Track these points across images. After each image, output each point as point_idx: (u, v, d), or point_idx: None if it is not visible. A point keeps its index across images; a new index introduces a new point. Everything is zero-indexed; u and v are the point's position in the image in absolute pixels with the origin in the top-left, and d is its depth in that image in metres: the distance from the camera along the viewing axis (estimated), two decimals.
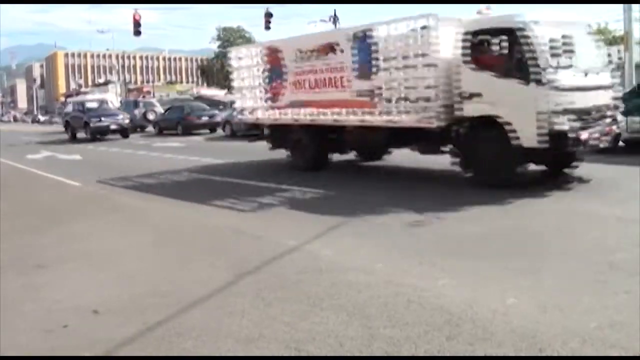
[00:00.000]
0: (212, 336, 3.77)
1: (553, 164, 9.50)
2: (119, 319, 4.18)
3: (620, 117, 9.52)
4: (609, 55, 11.49)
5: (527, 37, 8.33)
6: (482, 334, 3.55)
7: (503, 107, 8.62)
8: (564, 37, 8.41)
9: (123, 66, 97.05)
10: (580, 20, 9.59)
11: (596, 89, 8.76)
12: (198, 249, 6.17)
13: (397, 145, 11.58)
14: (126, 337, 3.82)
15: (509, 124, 8.51)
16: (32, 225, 7.79)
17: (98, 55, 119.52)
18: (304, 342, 3.59)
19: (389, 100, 10.39)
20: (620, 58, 21.49)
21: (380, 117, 10.56)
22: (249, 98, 14.34)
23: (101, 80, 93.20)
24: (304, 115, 12.25)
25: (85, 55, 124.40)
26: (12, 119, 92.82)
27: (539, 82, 8.19)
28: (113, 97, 41.38)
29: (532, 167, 9.37)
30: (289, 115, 12.64)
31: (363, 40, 10.79)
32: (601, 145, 8.78)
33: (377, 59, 10.50)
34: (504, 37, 9.18)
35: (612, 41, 32.57)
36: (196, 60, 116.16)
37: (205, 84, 74.00)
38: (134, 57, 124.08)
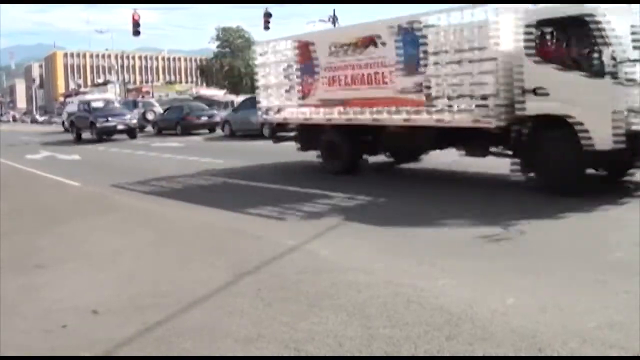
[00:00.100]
0: (211, 336, 3.77)
1: (617, 168, 8.52)
2: (119, 319, 4.17)
3: None
4: None
5: (599, 26, 7.48)
6: (482, 333, 3.55)
7: (573, 105, 7.74)
8: (632, 27, 7.55)
9: (122, 66, 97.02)
10: None
11: None
12: (197, 248, 6.16)
13: (442, 147, 10.56)
14: (125, 337, 3.82)
15: (580, 123, 7.63)
16: (31, 225, 7.79)
17: (97, 55, 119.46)
18: (304, 342, 3.59)
19: (438, 98, 9.49)
20: None
21: (428, 116, 9.62)
22: (275, 96, 13.39)
23: (100, 80, 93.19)
24: (339, 115, 11.38)
25: (84, 55, 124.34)
26: (11, 119, 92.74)
27: (614, 76, 7.32)
28: (112, 97, 41.25)
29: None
30: (321, 115, 11.78)
31: (409, 32, 9.89)
32: None
33: (425, 52, 9.57)
34: (572, 27, 8.12)
35: None
36: (195, 60, 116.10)
37: (204, 84, 74.04)
38: (133, 57, 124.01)
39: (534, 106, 8.18)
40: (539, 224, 6.57)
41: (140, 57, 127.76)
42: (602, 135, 7.44)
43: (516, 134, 8.51)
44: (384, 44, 10.34)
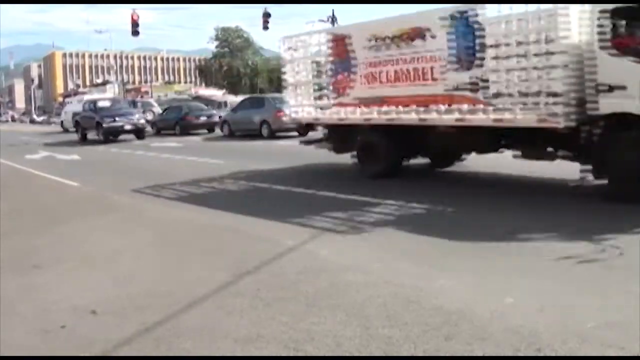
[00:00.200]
0: (211, 336, 3.77)
1: None
2: (118, 319, 4.17)
3: None
4: None
5: None
6: (481, 333, 3.55)
7: None
8: None
9: (121, 66, 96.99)
10: None
11: None
12: (196, 249, 6.16)
13: (496, 149, 9.61)
14: (125, 338, 3.82)
15: None
16: (30, 225, 7.78)
17: (96, 56, 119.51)
18: (303, 342, 3.59)
19: (497, 96, 8.61)
20: None
21: (485, 115, 8.74)
22: (304, 94, 12.50)
23: (99, 80, 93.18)
24: (379, 115, 10.43)
25: (83, 56, 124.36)
26: (10, 119, 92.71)
27: None
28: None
29: None
30: (358, 115, 10.88)
31: (464, 23, 8.96)
32: None
33: (482, 45, 8.67)
34: None
35: None
36: (194, 60, 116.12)
37: (203, 84, 74.04)
38: (132, 57, 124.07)
39: (608, 104, 7.33)
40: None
41: (139, 57, 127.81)
42: None
43: (586, 135, 7.67)
44: (433, 36, 9.44)
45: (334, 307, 4.14)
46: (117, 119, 25.62)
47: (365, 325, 3.76)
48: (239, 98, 39.87)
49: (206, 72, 75.37)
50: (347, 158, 11.63)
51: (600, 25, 7.41)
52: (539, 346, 3.35)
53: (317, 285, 4.63)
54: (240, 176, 11.91)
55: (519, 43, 8.28)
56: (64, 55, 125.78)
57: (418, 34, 9.67)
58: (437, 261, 5.33)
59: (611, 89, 7.27)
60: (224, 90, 61.57)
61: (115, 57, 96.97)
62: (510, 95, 8.49)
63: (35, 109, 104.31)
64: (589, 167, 7.69)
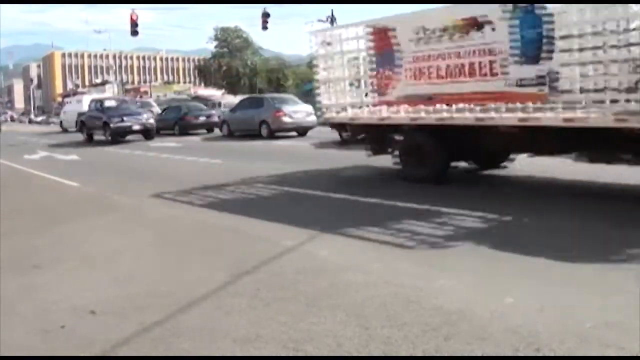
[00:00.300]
0: (210, 336, 3.77)
1: None
2: (117, 319, 4.17)
3: None
4: None
5: None
6: (480, 333, 3.55)
7: None
8: None
9: (120, 66, 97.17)
10: None
11: None
12: (196, 248, 6.17)
13: (564, 151, 8.63)
14: (124, 338, 3.82)
15: None
16: (29, 225, 7.78)
17: (95, 56, 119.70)
18: (302, 342, 3.59)
19: (568, 92, 7.85)
20: None
21: (553, 114, 7.90)
22: (339, 92, 11.65)
23: (98, 81, 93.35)
24: (427, 114, 9.56)
25: (82, 55, 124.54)
26: (9, 119, 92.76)
27: None
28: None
29: None
30: (403, 114, 10.04)
31: (529, 12, 8.18)
32: None
33: (551, 37, 7.90)
34: None
35: None
36: (193, 60, 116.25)
37: (202, 84, 74.11)
38: (131, 57, 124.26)
39: None
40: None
41: (138, 57, 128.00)
42: None
43: None
44: (492, 27, 8.62)
45: (334, 307, 4.14)
46: (125, 118, 24.82)
47: (365, 325, 3.76)
48: (232, 98, 40.02)
49: (205, 72, 75.41)
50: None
51: None
52: (538, 346, 3.35)
53: (317, 285, 4.64)
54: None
55: (594, 34, 7.55)
56: (63, 55, 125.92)
57: (474, 24, 8.82)
58: (437, 261, 5.33)
59: None
60: (223, 90, 61.62)
61: (114, 57, 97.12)
62: (583, 91, 7.75)
63: (34, 109, 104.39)
64: None
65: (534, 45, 8.14)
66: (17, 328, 4.15)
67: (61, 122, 42.45)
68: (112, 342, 3.77)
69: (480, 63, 8.84)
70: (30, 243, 6.74)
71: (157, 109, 34.53)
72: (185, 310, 4.28)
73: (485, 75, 8.79)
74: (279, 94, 37.03)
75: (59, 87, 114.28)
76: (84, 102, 38.71)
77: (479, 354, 3.32)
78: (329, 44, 11.65)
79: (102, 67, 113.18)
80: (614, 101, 7.43)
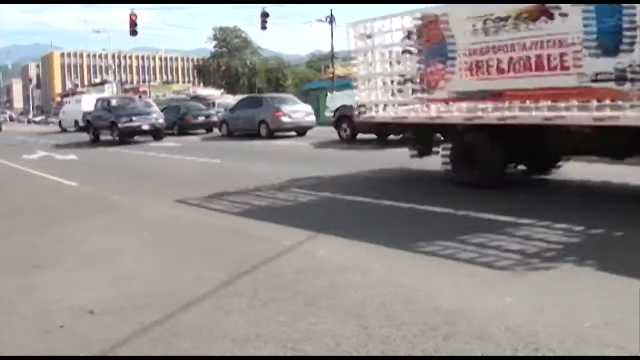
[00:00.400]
0: (209, 336, 3.77)
1: None
2: (117, 319, 4.17)
3: None
4: None
5: None
6: (479, 333, 3.56)
7: None
8: None
9: (119, 66, 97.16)
10: None
11: None
12: (195, 248, 6.17)
13: (634, 153, 7.92)
14: (123, 338, 3.82)
15: None
16: (29, 225, 7.78)
17: (94, 55, 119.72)
18: (301, 342, 3.59)
19: None
20: None
21: (636, 112, 7.10)
22: (380, 89, 10.77)
23: (97, 81, 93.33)
24: (484, 112, 8.67)
25: (81, 55, 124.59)
26: (8, 119, 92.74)
27: None
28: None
29: None
30: (457, 112, 9.18)
31: None
32: None
33: (633, 27, 7.09)
34: None
35: None
36: (193, 60, 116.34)
37: (201, 84, 74.16)
38: (131, 57, 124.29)
39: None
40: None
41: (137, 57, 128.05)
42: None
43: None
44: (563, 14, 7.77)
45: (333, 307, 4.14)
46: (134, 118, 23.91)
47: (364, 325, 3.77)
48: (227, 98, 40.06)
49: (204, 72, 75.54)
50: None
51: None
52: (538, 346, 3.36)
53: (316, 285, 4.64)
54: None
55: None
56: (62, 55, 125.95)
57: (543, 13, 7.94)
58: (437, 261, 5.33)
59: None
60: (222, 90, 61.65)
61: (113, 57, 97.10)
62: None
63: (33, 109, 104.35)
64: None
65: (613, 37, 7.32)
66: (17, 328, 4.15)
67: (60, 122, 42.49)
68: (112, 342, 3.77)
69: (549, 56, 7.93)
70: (30, 243, 6.75)
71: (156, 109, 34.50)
72: (184, 310, 4.28)
73: (555, 69, 7.90)
74: (279, 94, 37.08)
75: (58, 87, 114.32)
76: (84, 102, 38.81)
77: (479, 354, 3.32)
78: (369, 36, 10.69)
79: (101, 67, 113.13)
80: None
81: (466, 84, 9.00)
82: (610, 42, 7.36)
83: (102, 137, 25.34)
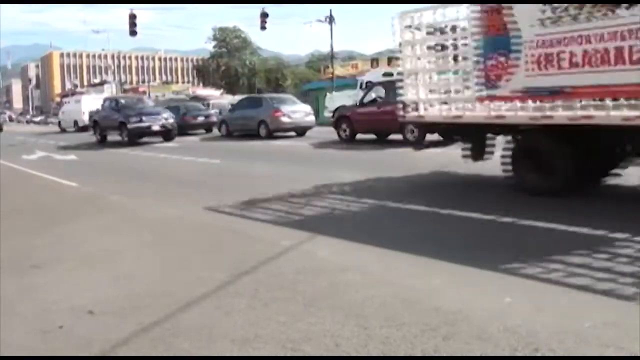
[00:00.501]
0: (209, 336, 3.78)
1: None
2: (116, 319, 4.18)
3: None
4: None
5: None
6: (479, 333, 3.56)
7: None
8: None
9: (119, 66, 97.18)
10: None
11: None
12: (195, 248, 6.17)
13: None
14: (123, 338, 3.82)
15: None
16: (28, 225, 7.78)
17: (93, 56, 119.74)
18: (300, 342, 3.60)
19: None
20: None
21: None
22: (429, 86, 9.89)
23: (97, 81, 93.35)
24: (556, 110, 7.81)
25: (80, 55, 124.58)
26: (7, 119, 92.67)
27: None
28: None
29: None
30: (521, 111, 8.17)
31: None
32: None
33: None
34: None
35: None
36: (192, 60, 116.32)
37: (201, 84, 74.17)
38: (130, 57, 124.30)
39: None
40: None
41: (136, 57, 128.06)
42: None
43: None
44: None
45: (333, 307, 4.14)
46: (143, 118, 22.89)
47: (364, 325, 3.77)
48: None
49: (204, 72, 75.49)
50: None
51: None
52: (537, 346, 3.36)
53: (316, 286, 4.64)
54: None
55: None
56: (62, 55, 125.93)
57: None
58: (436, 262, 5.33)
59: None
60: (221, 90, 61.66)
61: (112, 57, 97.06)
62: None
63: (32, 109, 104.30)
64: None
65: None
66: (17, 328, 4.16)
67: (59, 122, 42.48)
68: (112, 342, 3.77)
69: (631, 48, 7.06)
70: (29, 243, 6.75)
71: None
72: (184, 310, 4.29)
73: (638, 63, 7.03)
74: (278, 94, 37.07)
75: (58, 87, 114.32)
76: (83, 102, 38.81)
77: (478, 354, 3.32)
78: (418, 28, 9.81)
79: (100, 67, 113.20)
80: None
81: (532, 80, 8.11)
82: None
83: (110, 138, 24.55)
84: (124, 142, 22.63)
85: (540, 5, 7.85)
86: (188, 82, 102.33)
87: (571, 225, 6.24)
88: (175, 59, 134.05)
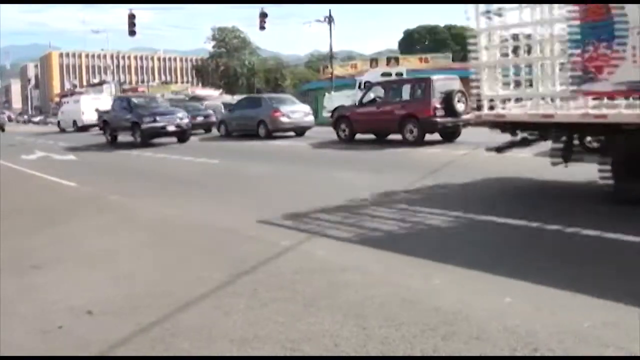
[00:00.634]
0: (208, 336, 3.78)
1: None
2: (115, 320, 4.18)
3: None
4: None
5: None
6: (478, 333, 3.56)
7: None
8: None
9: (118, 66, 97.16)
10: None
11: None
12: (193, 249, 6.17)
13: None
14: (122, 338, 3.82)
15: None
16: (28, 225, 7.78)
17: (93, 56, 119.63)
18: (300, 342, 3.60)
19: None
20: None
21: None
22: (507, 80, 8.72)
23: (96, 80, 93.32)
24: None
25: (79, 56, 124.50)
26: (6, 119, 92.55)
27: None
28: (107, 98, 41.00)
29: None
30: (625, 109, 7.09)
31: None
32: None
33: None
34: None
35: None
36: (191, 60, 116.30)
37: (200, 84, 74.16)
38: (129, 57, 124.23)
39: None
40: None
41: (135, 57, 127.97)
42: None
43: None
44: None
45: (332, 307, 4.14)
46: (157, 118, 21.65)
47: (363, 326, 3.77)
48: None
49: (203, 72, 75.49)
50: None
51: None
52: (536, 346, 3.36)
53: (315, 286, 4.64)
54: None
55: None
56: (61, 55, 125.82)
57: None
58: (436, 262, 5.33)
59: None
60: (220, 90, 61.65)
61: (112, 57, 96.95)
62: None
63: (31, 109, 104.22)
64: None
65: None
66: (17, 328, 4.15)
67: (59, 122, 42.42)
68: (111, 342, 3.77)
69: None
70: (29, 243, 6.75)
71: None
72: (183, 310, 4.29)
73: None
74: (277, 94, 37.05)
75: (57, 87, 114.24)
76: (82, 103, 38.78)
77: (477, 354, 3.33)
78: (499, 14, 8.59)
79: (99, 67, 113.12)
80: None
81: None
82: None
83: (121, 138, 23.39)
84: (137, 143, 21.56)
85: None
86: (187, 82, 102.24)
87: None
88: (175, 59, 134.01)
